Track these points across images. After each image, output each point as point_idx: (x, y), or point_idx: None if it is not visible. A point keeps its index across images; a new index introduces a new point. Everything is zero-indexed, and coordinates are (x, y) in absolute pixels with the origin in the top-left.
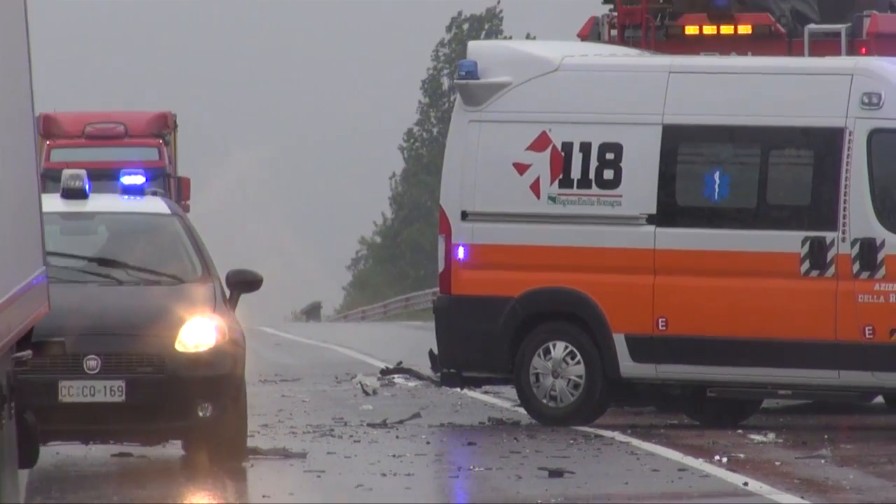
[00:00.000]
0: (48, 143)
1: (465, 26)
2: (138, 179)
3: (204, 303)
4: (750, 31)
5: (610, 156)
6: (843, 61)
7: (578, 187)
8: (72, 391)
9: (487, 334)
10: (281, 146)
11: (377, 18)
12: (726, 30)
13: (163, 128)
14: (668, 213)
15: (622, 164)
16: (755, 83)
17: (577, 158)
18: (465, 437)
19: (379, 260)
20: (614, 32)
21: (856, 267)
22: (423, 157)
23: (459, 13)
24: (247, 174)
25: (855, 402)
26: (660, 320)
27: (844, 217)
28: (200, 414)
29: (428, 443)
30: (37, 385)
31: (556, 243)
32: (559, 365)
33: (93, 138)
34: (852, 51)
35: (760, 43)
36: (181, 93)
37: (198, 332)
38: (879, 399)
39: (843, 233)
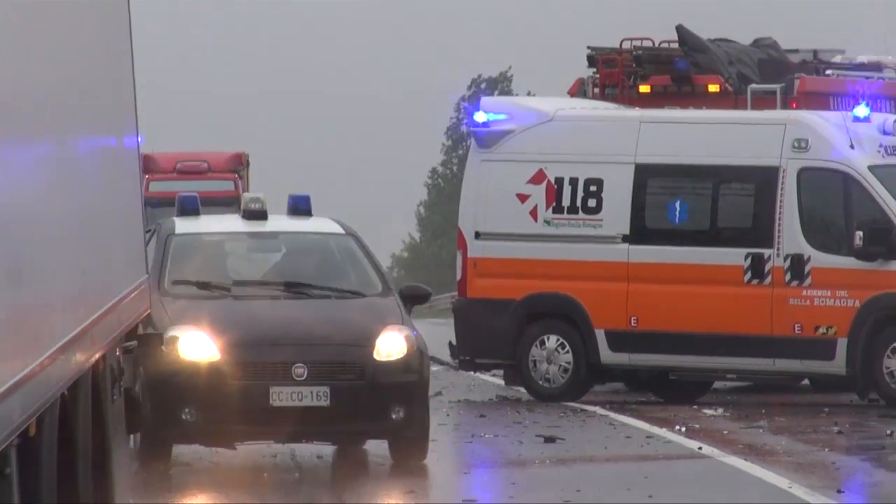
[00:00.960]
0: (147, 176)
1: (483, 85)
2: (305, 202)
3: (393, 315)
4: (705, 90)
5: (593, 188)
6: (778, 114)
7: (568, 213)
8: (281, 396)
9: (495, 329)
10: (327, 180)
11: (414, 77)
12: (686, 89)
13: (238, 165)
14: (639, 233)
15: (603, 195)
16: (708, 131)
17: (567, 190)
18: (477, 410)
19: (408, 270)
20: (597, 90)
21: (788, 277)
22: (445, 190)
23: (479, 75)
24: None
25: (786, 384)
26: (632, 318)
27: (779, 237)
28: (394, 417)
29: (448, 415)
30: (249, 390)
31: (550, 257)
32: (552, 354)
33: (182, 173)
34: (785, 105)
35: (713, 99)
36: (253, 134)
37: (391, 342)
38: (806, 381)
39: (778, 250)
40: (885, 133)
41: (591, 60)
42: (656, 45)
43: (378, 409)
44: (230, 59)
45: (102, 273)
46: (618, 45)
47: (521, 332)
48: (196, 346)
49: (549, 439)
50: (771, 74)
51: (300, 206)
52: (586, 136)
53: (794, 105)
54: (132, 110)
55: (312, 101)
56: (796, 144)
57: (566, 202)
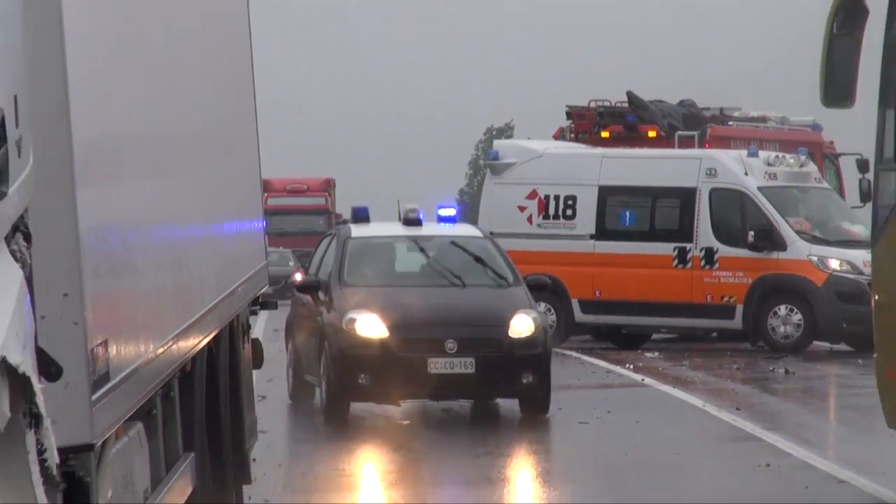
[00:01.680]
0: (265, 194)
1: (494, 132)
2: (451, 212)
3: (522, 301)
4: (646, 135)
5: (570, 202)
6: (696, 151)
7: (553, 219)
8: (437, 365)
9: None
10: (381, 198)
11: (445, 126)
12: (633, 134)
13: (328, 186)
14: (602, 233)
15: (577, 207)
16: (649, 163)
17: (552, 203)
18: None
19: None
20: (572, 135)
21: (703, 262)
22: (468, 204)
23: (491, 125)
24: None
25: (701, 336)
26: (597, 291)
27: (696, 235)
28: (524, 381)
29: None
30: (411, 361)
31: (540, 249)
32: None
33: (290, 192)
34: (701, 145)
35: (651, 142)
36: (338, 161)
37: (522, 322)
38: (715, 334)
39: (696, 244)
40: (768, 165)
41: (569, 115)
42: (613, 104)
43: (512, 375)
44: (300, 97)
45: (235, 260)
46: (587, 104)
47: None
48: (370, 326)
49: None
50: (691, 124)
51: (447, 217)
52: (565, 167)
53: (708, 145)
54: (256, 145)
55: (378, 140)
56: (708, 172)
57: (552, 211)
